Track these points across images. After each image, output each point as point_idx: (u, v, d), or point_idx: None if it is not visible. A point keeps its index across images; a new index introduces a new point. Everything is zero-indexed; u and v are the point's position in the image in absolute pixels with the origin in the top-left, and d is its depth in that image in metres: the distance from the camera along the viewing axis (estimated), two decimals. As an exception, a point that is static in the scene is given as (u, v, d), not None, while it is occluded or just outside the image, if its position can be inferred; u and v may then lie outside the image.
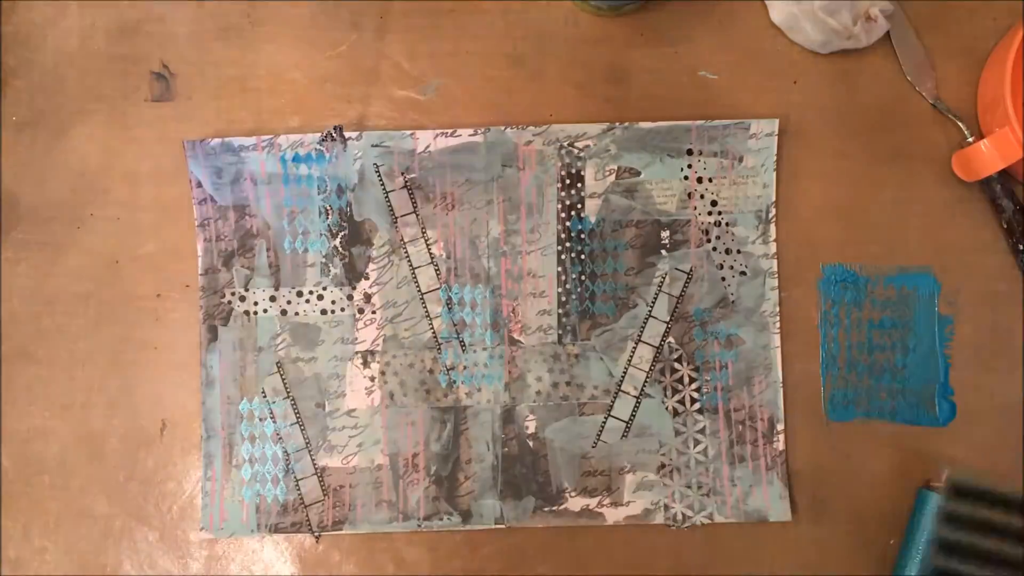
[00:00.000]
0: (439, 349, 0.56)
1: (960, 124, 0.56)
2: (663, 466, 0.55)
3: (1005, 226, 0.55)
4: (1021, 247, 0.55)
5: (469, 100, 0.58)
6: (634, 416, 0.56)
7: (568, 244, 0.57)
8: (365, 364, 0.57)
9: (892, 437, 0.56)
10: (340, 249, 0.57)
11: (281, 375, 0.57)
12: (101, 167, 0.58)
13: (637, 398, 0.56)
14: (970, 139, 0.56)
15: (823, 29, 0.55)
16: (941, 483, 0.52)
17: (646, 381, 0.56)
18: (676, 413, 0.56)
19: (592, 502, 0.55)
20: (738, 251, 0.56)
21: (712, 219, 0.56)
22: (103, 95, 0.59)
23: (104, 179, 0.58)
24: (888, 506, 0.55)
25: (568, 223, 0.57)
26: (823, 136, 0.57)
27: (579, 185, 0.57)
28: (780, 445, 0.55)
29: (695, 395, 0.56)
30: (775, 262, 0.56)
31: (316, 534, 0.56)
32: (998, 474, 0.55)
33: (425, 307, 0.57)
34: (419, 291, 0.57)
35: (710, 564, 0.56)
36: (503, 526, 0.56)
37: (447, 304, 0.57)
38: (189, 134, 0.58)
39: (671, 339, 0.56)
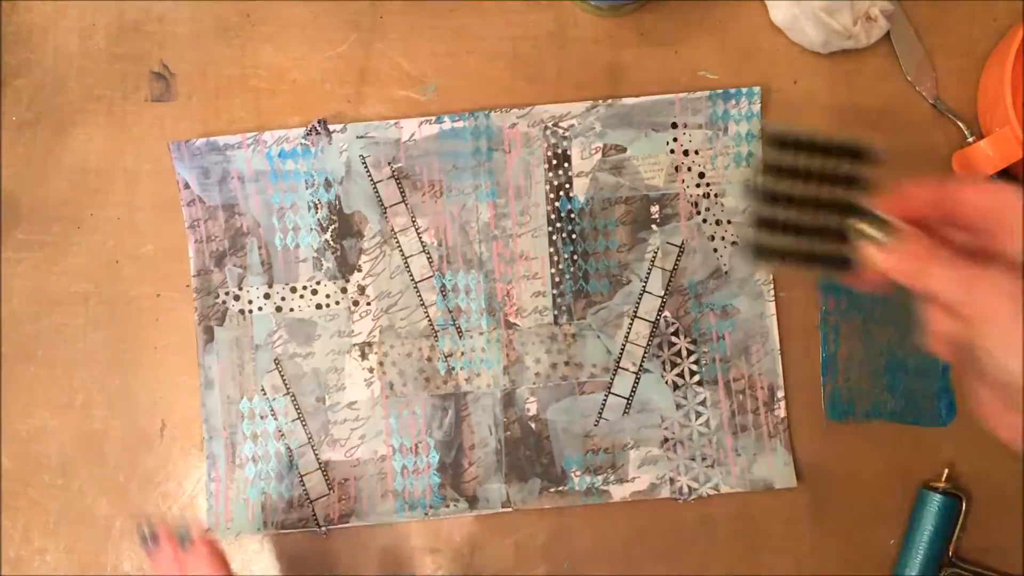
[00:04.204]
0: (436, 336, 0.56)
1: (960, 124, 0.56)
2: (666, 440, 0.56)
3: (1005, 226, 0.55)
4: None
5: (469, 100, 0.58)
6: (634, 392, 0.56)
7: (559, 224, 0.57)
8: (363, 356, 0.57)
9: (892, 437, 0.56)
10: (331, 243, 0.57)
11: (280, 372, 0.57)
12: (101, 167, 0.58)
13: (636, 374, 0.56)
14: (970, 139, 0.56)
15: (823, 29, 0.55)
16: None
17: (644, 356, 0.56)
18: (676, 387, 0.56)
19: (597, 480, 0.55)
20: (728, 221, 0.56)
21: (701, 191, 0.56)
22: (103, 95, 0.59)
23: (104, 179, 0.58)
24: (888, 506, 0.55)
25: (557, 203, 0.57)
26: (823, 136, 0.57)
27: (566, 165, 0.57)
28: (781, 412, 0.56)
29: (694, 368, 0.56)
30: None
31: (323, 530, 0.56)
32: (998, 475, 0.55)
33: (419, 295, 0.57)
34: (412, 280, 0.57)
35: (710, 563, 0.56)
36: (510, 509, 0.56)
37: (441, 291, 0.57)
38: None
39: (667, 313, 0.56)
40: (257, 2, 0.59)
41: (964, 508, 0.54)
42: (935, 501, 0.53)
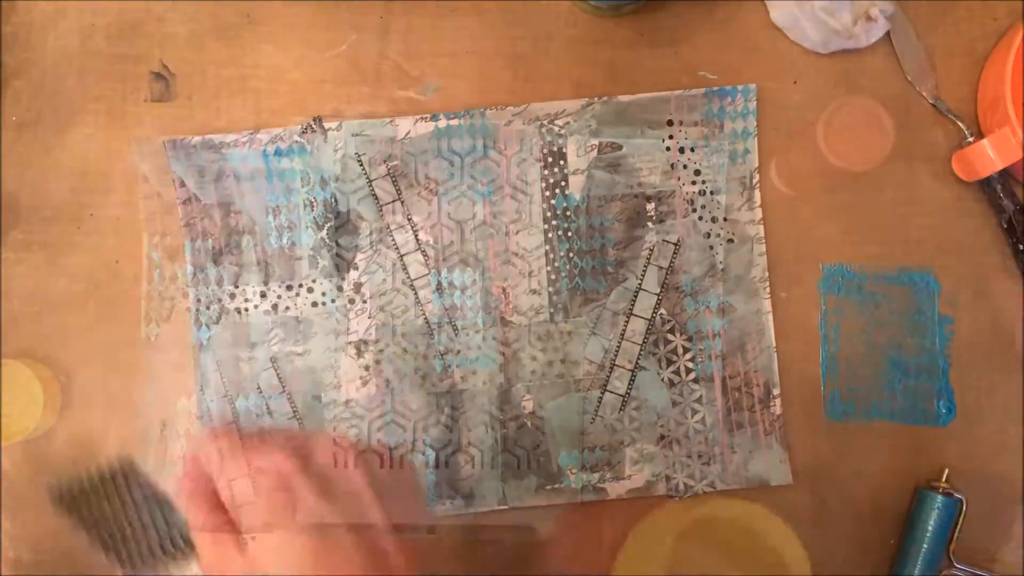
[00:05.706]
0: (432, 334, 0.56)
1: (960, 124, 0.56)
2: (662, 437, 0.56)
3: (1005, 226, 0.55)
4: (1021, 247, 0.55)
5: (469, 100, 0.58)
6: (630, 390, 0.56)
7: (554, 222, 0.57)
8: (359, 354, 0.57)
9: (892, 437, 0.56)
10: (327, 241, 0.57)
11: (276, 370, 0.57)
12: (101, 167, 0.58)
13: (632, 371, 0.56)
14: (970, 139, 0.56)
15: (823, 29, 0.55)
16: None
17: (640, 354, 0.56)
18: (672, 384, 0.56)
19: (594, 477, 0.56)
20: (724, 219, 0.56)
21: (696, 188, 0.56)
22: (103, 95, 0.59)
23: (104, 179, 0.58)
24: (888, 506, 0.55)
25: (553, 201, 0.57)
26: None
27: (562, 162, 0.57)
28: (777, 409, 0.56)
29: (690, 365, 0.56)
30: (761, 228, 0.56)
31: None
32: (998, 475, 0.55)
33: (415, 293, 0.57)
34: (408, 278, 0.57)
35: (711, 564, 0.55)
36: (506, 507, 0.56)
37: (437, 289, 0.57)
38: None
39: (663, 311, 0.56)
40: (257, 2, 0.59)
41: (964, 508, 0.54)
42: (935, 501, 0.53)
